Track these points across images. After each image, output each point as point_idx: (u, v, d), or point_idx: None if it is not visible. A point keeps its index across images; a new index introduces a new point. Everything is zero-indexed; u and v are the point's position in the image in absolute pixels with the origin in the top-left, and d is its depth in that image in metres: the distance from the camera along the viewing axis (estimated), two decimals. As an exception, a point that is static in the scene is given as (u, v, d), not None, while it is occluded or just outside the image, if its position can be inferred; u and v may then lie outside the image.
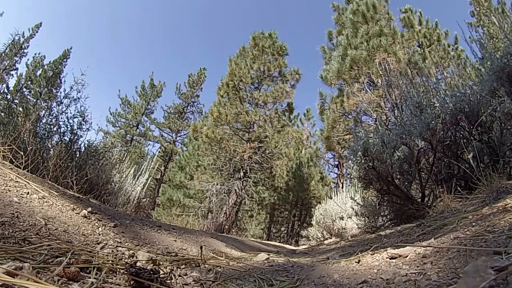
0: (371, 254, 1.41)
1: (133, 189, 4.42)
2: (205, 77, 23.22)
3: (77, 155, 3.58)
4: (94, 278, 0.93)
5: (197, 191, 13.53)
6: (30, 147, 2.73)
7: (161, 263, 1.34)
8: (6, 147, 2.58)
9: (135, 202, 4.37)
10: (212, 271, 1.41)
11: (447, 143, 2.99)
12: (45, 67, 17.24)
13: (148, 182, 4.97)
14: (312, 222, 8.78)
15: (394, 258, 1.25)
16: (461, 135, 3.03)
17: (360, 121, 9.95)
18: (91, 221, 1.77)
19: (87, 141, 3.89)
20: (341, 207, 6.45)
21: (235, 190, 11.35)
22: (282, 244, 8.97)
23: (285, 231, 21.16)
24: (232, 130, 12.22)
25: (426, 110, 3.09)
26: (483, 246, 1.06)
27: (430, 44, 11.58)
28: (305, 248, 4.91)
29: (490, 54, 2.92)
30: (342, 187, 7.49)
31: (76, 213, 1.77)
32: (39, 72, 16.88)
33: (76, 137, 3.65)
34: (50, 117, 3.47)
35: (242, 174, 11.76)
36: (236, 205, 11.76)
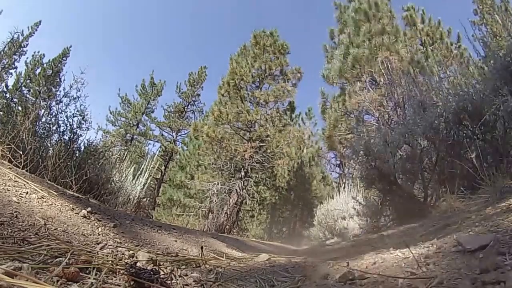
0: (373, 255, 1.40)
1: (133, 189, 4.41)
2: (206, 76, 23.19)
3: (77, 155, 3.58)
4: (94, 278, 0.92)
5: (197, 191, 13.54)
6: (29, 146, 2.72)
7: (161, 263, 1.33)
8: (5, 146, 2.58)
9: (135, 202, 4.36)
10: (213, 272, 1.39)
11: (450, 143, 2.97)
12: (45, 65, 17.28)
13: (148, 181, 4.96)
14: (314, 222, 8.78)
15: (397, 259, 1.24)
16: (464, 134, 3.01)
17: (362, 120, 9.92)
18: (90, 221, 1.76)
19: (87, 140, 3.88)
20: (343, 207, 6.44)
21: (236, 190, 11.35)
22: (283, 245, 8.96)
23: (287, 231, 21.15)
24: (233, 129, 12.21)
25: (429, 109, 3.08)
26: (487, 247, 1.04)
27: (433, 43, 11.55)
28: (307, 249, 4.90)
29: (493, 52, 2.90)
30: (344, 187, 7.48)
31: (75, 213, 1.76)
32: (38, 71, 16.92)
33: (75, 136, 3.65)
34: (50, 116, 3.46)
35: (243, 173, 11.75)
36: (237, 205, 11.77)
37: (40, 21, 17.92)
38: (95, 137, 7.52)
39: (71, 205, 1.86)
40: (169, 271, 1.20)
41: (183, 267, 1.41)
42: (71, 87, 3.80)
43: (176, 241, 2.31)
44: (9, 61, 16.72)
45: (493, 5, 10.11)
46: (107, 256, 1.23)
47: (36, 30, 17.76)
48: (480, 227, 1.39)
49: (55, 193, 2.01)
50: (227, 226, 10.85)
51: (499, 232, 1.15)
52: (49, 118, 3.46)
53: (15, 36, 16.63)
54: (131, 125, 21.85)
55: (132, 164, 4.73)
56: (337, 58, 11.36)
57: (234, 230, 12.03)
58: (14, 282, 0.70)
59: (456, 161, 2.98)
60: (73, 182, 3.09)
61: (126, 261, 1.20)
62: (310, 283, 1.22)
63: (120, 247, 1.48)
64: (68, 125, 3.64)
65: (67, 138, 3.56)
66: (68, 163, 3.17)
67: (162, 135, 22.53)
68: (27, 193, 1.67)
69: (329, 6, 13.82)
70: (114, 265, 1.09)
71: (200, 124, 13.32)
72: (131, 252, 1.41)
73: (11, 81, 16.39)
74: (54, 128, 3.50)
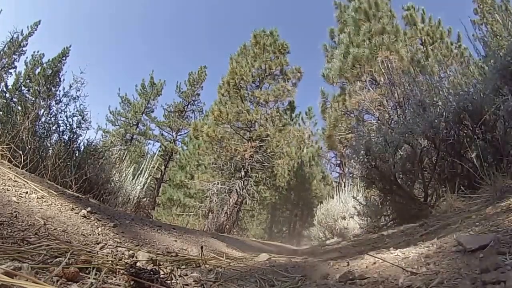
0: (374, 254, 1.40)
1: (133, 189, 4.41)
2: (206, 76, 23.16)
3: (76, 154, 3.58)
4: (94, 278, 0.92)
5: (197, 190, 13.54)
6: (29, 146, 2.72)
7: (161, 263, 1.32)
8: (5, 146, 2.57)
9: (135, 201, 4.36)
10: (213, 272, 1.39)
11: (450, 142, 2.97)
12: (44, 65, 17.28)
13: (148, 181, 4.96)
14: (314, 222, 8.78)
15: (397, 258, 1.24)
16: (464, 134, 3.00)
17: (362, 120, 9.91)
18: (90, 221, 1.76)
19: (87, 140, 3.88)
20: (343, 206, 6.44)
21: (236, 189, 11.34)
22: (283, 244, 8.96)
23: (287, 231, 21.16)
24: (233, 129, 12.21)
25: (429, 109, 3.08)
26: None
27: (433, 42, 11.55)
28: (307, 248, 4.90)
29: (493, 52, 2.89)
30: (344, 187, 7.48)
31: (75, 213, 1.76)
32: (38, 71, 16.91)
33: (75, 136, 3.65)
34: (49, 115, 3.47)
35: (243, 173, 11.75)
36: (237, 204, 11.76)
37: (39, 21, 17.94)
38: (95, 136, 7.54)
39: (70, 205, 1.86)
40: (169, 271, 1.20)
41: (183, 267, 1.40)
42: (70, 86, 3.81)
43: (176, 241, 2.31)
44: (8, 60, 16.73)
45: (494, 4, 10.10)
46: (107, 256, 1.23)
47: (36, 30, 17.77)
48: (480, 226, 1.38)
49: (54, 192, 2.01)
50: (227, 226, 10.83)
51: (499, 232, 1.14)
52: (48, 118, 3.46)
53: (15, 35, 16.64)
54: (131, 124, 21.82)
55: (132, 164, 4.73)
56: (337, 58, 11.35)
57: (234, 230, 12.02)
58: (14, 282, 0.69)
59: (456, 160, 2.97)
60: (73, 182, 3.09)
61: (126, 261, 1.20)
62: (310, 283, 1.22)
63: (120, 247, 1.48)
64: (67, 125, 3.64)
65: (66, 137, 3.56)
66: (68, 163, 3.17)
67: (162, 134, 22.51)
68: (26, 193, 1.67)
69: (329, 5, 13.82)
70: (114, 265, 1.09)
71: (200, 123, 13.33)
72: (131, 252, 1.41)
73: (10, 81, 16.42)
74: (54, 127, 3.50)
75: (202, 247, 1.66)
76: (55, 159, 2.94)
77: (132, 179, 4.50)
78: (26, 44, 17.61)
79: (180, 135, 22.70)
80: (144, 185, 4.74)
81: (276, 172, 13.16)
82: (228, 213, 11.10)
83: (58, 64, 17.62)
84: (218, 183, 11.57)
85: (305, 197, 19.60)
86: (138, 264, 1.14)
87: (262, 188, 14.46)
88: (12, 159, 2.61)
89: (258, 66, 12.44)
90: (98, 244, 1.42)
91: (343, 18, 12.75)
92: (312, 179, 19.83)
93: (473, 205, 2.19)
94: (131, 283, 0.93)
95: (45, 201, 1.68)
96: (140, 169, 4.78)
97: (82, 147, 3.77)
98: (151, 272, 0.97)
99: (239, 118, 11.83)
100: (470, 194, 2.45)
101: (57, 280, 0.83)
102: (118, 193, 4.03)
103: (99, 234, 1.61)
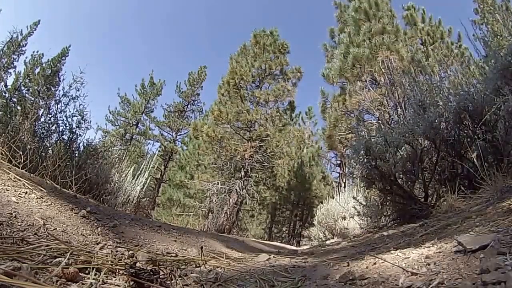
0: (374, 255, 1.39)
1: (132, 189, 4.40)
2: (206, 75, 23.18)
3: (76, 155, 3.58)
4: (93, 278, 0.92)
5: (197, 190, 13.53)
6: (29, 146, 2.72)
7: (161, 263, 1.32)
8: (5, 146, 2.57)
9: (134, 201, 4.35)
10: (213, 272, 1.39)
11: (451, 142, 2.97)
12: (44, 65, 17.26)
13: (148, 181, 4.95)
14: (314, 222, 8.78)
15: (397, 259, 1.23)
16: (464, 134, 3.00)
17: (363, 120, 9.92)
18: (90, 221, 1.75)
19: (86, 140, 3.89)
20: (343, 206, 6.44)
21: (236, 189, 11.34)
22: (283, 245, 8.95)
23: (287, 231, 21.15)
24: (233, 129, 12.21)
25: (429, 109, 3.07)
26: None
27: (433, 42, 11.56)
28: (307, 249, 4.88)
29: (494, 52, 2.89)
30: (344, 187, 7.49)
31: (75, 213, 1.76)
32: (37, 70, 16.90)
33: (75, 136, 3.65)
34: (49, 116, 3.46)
35: (243, 173, 11.75)
36: (237, 205, 11.76)
37: (39, 21, 17.93)
38: (95, 137, 7.55)
39: (70, 205, 1.86)
40: (169, 271, 1.19)
41: (183, 267, 1.40)
42: (70, 86, 3.81)
43: (175, 241, 2.31)
44: (8, 60, 16.72)
45: (494, 4, 10.10)
46: (106, 256, 1.23)
47: (35, 30, 17.77)
48: (480, 227, 1.38)
49: (54, 193, 2.01)
50: (227, 226, 10.84)
51: (500, 232, 1.14)
52: (48, 118, 3.46)
53: (14, 35, 16.63)
54: (131, 124, 21.83)
55: (131, 164, 4.73)
56: (337, 58, 11.36)
57: (234, 230, 12.02)
58: (13, 282, 0.69)
59: (457, 161, 2.97)
60: (73, 182, 3.08)
61: (125, 261, 1.19)
62: (310, 283, 1.21)
63: (119, 247, 1.48)
64: (67, 125, 3.64)
65: (66, 138, 3.56)
66: (68, 163, 3.16)
67: (162, 134, 22.52)
68: (26, 193, 1.66)
69: (329, 5, 13.83)
70: (113, 265, 1.09)
71: (200, 123, 13.33)
72: (130, 252, 1.40)
73: (10, 81, 16.39)
74: (54, 128, 3.50)
75: (202, 248, 1.66)
76: (55, 159, 2.93)
77: (132, 179, 4.49)
78: (26, 44, 17.63)
79: (180, 135, 22.72)
80: (143, 185, 4.73)
81: (276, 172, 13.15)
82: (228, 213, 11.10)
83: (58, 64, 17.62)
84: (218, 183, 11.57)
85: (305, 197, 19.59)
86: (137, 264, 1.13)
87: (262, 188, 14.45)
88: (12, 159, 2.60)
89: (258, 66, 12.44)
90: (97, 244, 1.42)
91: (343, 18, 12.77)
92: (312, 179, 19.82)
93: (473, 205, 2.19)
94: (131, 283, 0.93)
95: (44, 201, 1.68)
96: (140, 169, 4.78)
97: (82, 147, 3.77)
98: (151, 272, 0.97)
99: (239, 118, 11.83)
100: (471, 194, 2.45)
101: (57, 281, 0.83)
102: (118, 193, 4.03)
103: (98, 234, 1.61)
